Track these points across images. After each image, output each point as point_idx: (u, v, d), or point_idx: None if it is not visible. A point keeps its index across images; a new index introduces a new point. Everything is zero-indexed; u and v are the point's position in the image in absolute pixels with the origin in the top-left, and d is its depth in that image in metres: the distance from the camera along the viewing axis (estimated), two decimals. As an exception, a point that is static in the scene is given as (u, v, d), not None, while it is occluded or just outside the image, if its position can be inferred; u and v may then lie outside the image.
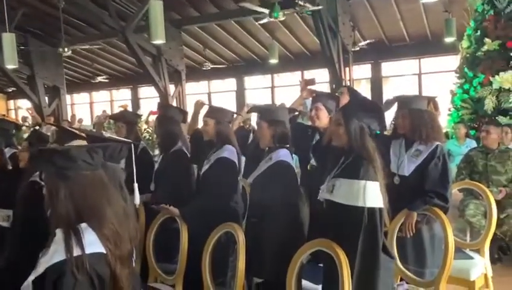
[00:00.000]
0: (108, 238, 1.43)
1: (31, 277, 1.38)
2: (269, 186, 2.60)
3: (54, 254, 1.38)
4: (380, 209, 2.09)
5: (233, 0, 9.18)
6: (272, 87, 13.58)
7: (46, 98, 11.73)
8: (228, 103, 13.34)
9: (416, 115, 2.85)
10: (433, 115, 2.97)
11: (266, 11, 7.19)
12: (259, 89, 13.79)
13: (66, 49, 9.29)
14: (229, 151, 2.99)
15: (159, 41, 6.94)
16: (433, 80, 11.28)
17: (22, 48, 10.06)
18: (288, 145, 2.77)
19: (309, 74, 11.92)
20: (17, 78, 11.19)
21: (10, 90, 15.77)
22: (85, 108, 16.34)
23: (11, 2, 8.05)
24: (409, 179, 2.84)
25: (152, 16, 6.70)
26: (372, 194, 2.08)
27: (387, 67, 12.11)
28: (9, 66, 8.43)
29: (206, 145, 3.12)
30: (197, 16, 10.10)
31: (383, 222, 2.13)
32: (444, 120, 6.16)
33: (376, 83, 12.07)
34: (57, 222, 1.44)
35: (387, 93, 11.89)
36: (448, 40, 8.44)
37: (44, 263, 1.38)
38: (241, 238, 2.39)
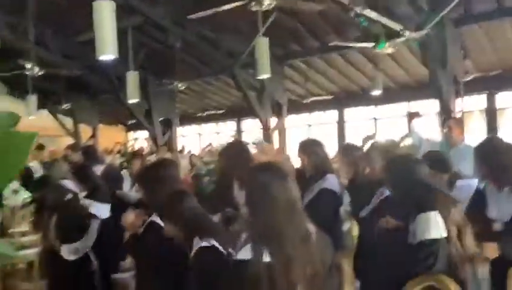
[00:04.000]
0: (280, 260, 1.57)
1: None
2: None
3: (242, 251, 1.60)
4: None
5: (336, 34, 9.28)
6: (375, 119, 13.26)
7: (161, 129, 12.80)
8: (329, 135, 13.29)
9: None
10: None
11: (370, 45, 7.15)
12: (361, 121, 13.54)
13: (179, 85, 10.12)
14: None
15: (264, 76, 7.26)
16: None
17: (143, 84, 11.16)
18: None
19: (415, 105, 11.45)
20: (137, 112, 12.42)
21: (130, 123, 17.45)
22: (194, 139, 17.41)
23: (135, 44, 9.04)
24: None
25: (258, 52, 7.06)
26: None
27: (504, 98, 11.17)
28: (131, 101, 9.43)
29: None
30: (299, 50, 10.38)
31: None
32: None
33: (491, 114, 11.18)
34: (253, 233, 1.64)
35: (503, 126, 10.94)
36: None
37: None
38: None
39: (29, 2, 8.46)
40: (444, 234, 2.20)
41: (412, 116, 3.65)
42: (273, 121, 10.92)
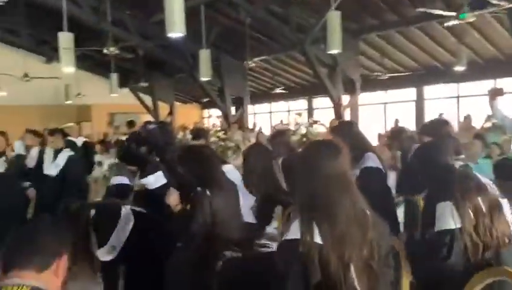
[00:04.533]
0: (333, 238, 1.53)
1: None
2: None
3: (291, 231, 1.58)
4: None
5: (414, 6, 8.69)
6: (458, 97, 12.36)
7: (233, 107, 12.98)
8: (406, 113, 12.66)
9: None
10: None
11: (453, 14, 6.58)
12: (441, 99, 12.70)
13: (250, 62, 10.13)
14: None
15: (335, 50, 7.02)
16: None
17: (215, 62, 11.33)
18: None
19: (503, 82, 10.48)
20: (210, 90, 12.67)
21: (204, 101, 17.93)
22: (265, 117, 17.50)
23: (207, 22, 9.15)
24: None
25: (330, 27, 6.82)
26: None
27: None
28: (204, 79, 9.62)
29: None
30: (375, 24, 9.89)
31: None
32: None
33: None
34: (301, 211, 1.62)
35: None
36: None
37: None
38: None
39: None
40: (459, 225, 2.09)
41: (494, 93, 3.31)
42: (345, 99, 10.59)
